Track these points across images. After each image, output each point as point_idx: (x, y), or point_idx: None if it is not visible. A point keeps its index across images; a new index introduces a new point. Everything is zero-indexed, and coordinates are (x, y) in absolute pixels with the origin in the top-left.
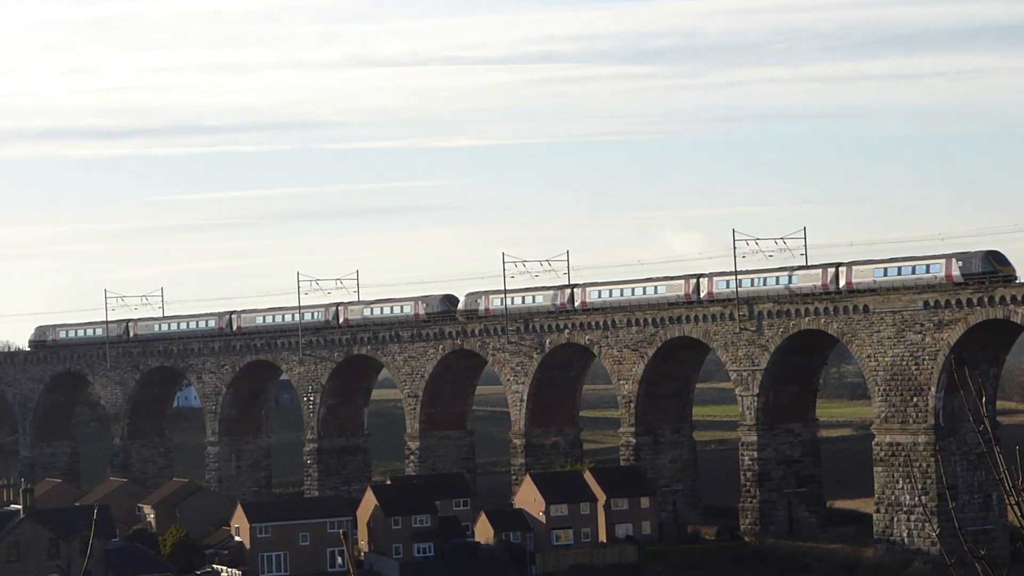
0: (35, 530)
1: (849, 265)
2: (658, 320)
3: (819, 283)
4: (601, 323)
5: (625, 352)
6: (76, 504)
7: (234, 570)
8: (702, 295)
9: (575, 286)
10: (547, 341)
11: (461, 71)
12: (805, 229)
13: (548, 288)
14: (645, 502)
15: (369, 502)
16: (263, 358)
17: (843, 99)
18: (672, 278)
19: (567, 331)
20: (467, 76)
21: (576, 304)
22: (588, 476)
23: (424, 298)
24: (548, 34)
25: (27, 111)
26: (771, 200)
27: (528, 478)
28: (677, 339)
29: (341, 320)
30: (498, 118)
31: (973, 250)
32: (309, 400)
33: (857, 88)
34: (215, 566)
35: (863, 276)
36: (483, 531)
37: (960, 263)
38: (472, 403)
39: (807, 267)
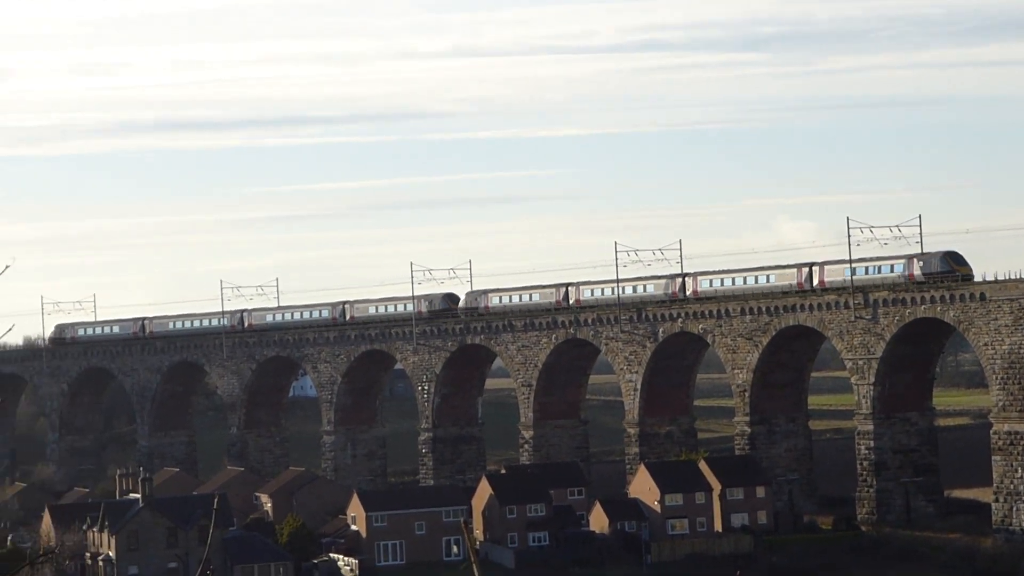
0: (154, 519)
1: (822, 264)
2: (772, 309)
3: (794, 282)
4: (714, 312)
5: (739, 341)
6: (194, 493)
7: (350, 559)
8: (814, 283)
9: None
10: (660, 330)
11: (567, 60)
12: (920, 216)
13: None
14: (760, 491)
15: (484, 491)
16: (377, 348)
17: (953, 85)
18: (784, 267)
19: (680, 320)
20: (573, 65)
21: (688, 293)
22: (703, 465)
23: (922, 256)
24: (654, 22)
25: (139, 103)
26: (885, 187)
27: (642, 467)
28: (791, 328)
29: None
30: (605, 107)
31: (933, 251)
32: (423, 389)
33: (965, 74)
34: (331, 555)
35: (834, 275)
36: (598, 520)
37: (921, 263)
38: (585, 392)
39: (782, 267)
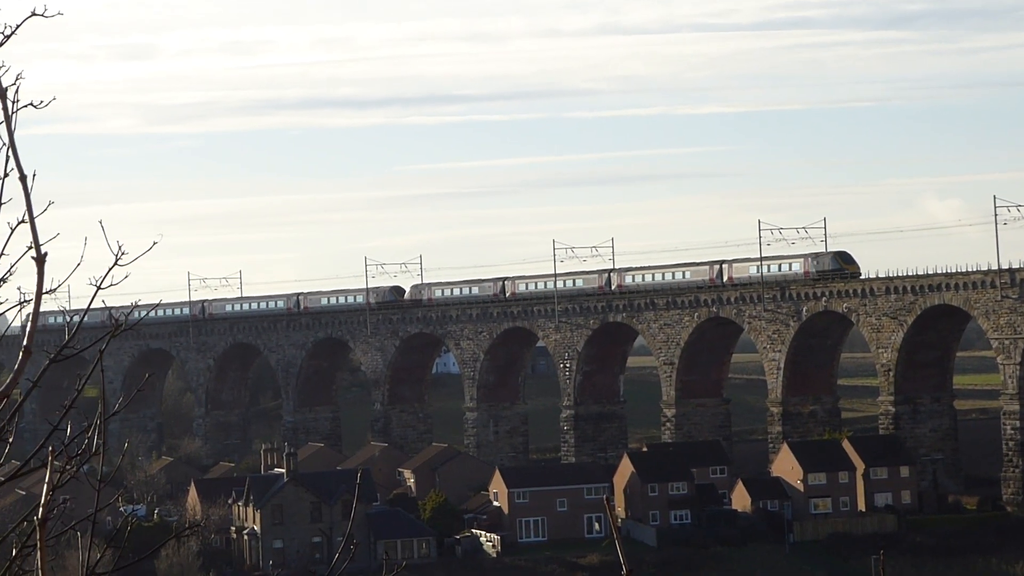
0: (298, 494)
1: (731, 263)
2: (917, 288)
3: (707, 278)
4: (859, 291)
5: (884, 320)
6: (338, 468)
7: (492, 535)
8: (724, 279)
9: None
10: (804, 309)
11: (711, 38)
12: None
13: (799, 256)
14: (905, 471)
15: (626, 469)
16: (520, 325)
17: None
18: (697, 264)
19: (824, 299)
20: (717, 43)
21: (614, 286)
22: (846, 445)
23: (815, 255)
24: (799, 0)
25: (283, 81)
26: None
27: (785, 446)
28: (937, 307)
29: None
30: (749, 85)
31: (824, 251)
32: (565, 367)
33: None
34: (474, 531)
35: (741, 272)
36: (740, 499)
37: (815, 261)
38: (728, 371)
39: (696, 264)
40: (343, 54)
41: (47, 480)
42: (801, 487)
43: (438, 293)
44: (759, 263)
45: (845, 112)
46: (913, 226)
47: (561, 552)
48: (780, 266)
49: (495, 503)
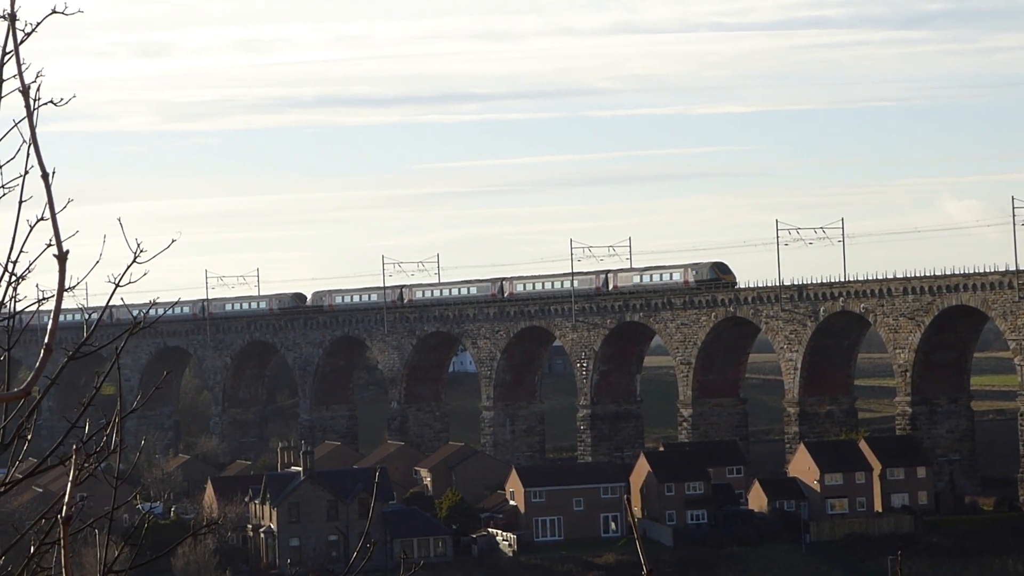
0: (315, 492)
1: (616, 272)
2: (935, 288)
3: (593, 286)
4: (876, 291)
5: (901, 321)
6: (354, 467)
7: (509, 534)
8: (610, 287)
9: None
10: (821, 309)
11: (728, 37)
12: None
13: (679, 266)
14: (921, 472)
15: (642, 468)
16: (536, 324)
17: None
18: (585, 273)
19: (842, 299)
20: (734, 42)
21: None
22: (863, 445)
23: (694, 265)
24: None
25: (299, 79)
26: None
27: (802, 446)
28: (954, 308)
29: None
30: (765, 84)
31: (703, 261)
32: (582, 366)
33: None
34: (490, 530)
35: (625, 281)
36: (756, 499)
37: (694, 272)
38: (745, 371)
39: (584, 273)
40: (360, 52)
41: (70, 478)
42: (818, 487)
43: (339, 300)
44: (641, 272)
45: (862, 112)
46: (931, 226)
47: (577, 551)
48: (661, 276)
49: (511, 502)
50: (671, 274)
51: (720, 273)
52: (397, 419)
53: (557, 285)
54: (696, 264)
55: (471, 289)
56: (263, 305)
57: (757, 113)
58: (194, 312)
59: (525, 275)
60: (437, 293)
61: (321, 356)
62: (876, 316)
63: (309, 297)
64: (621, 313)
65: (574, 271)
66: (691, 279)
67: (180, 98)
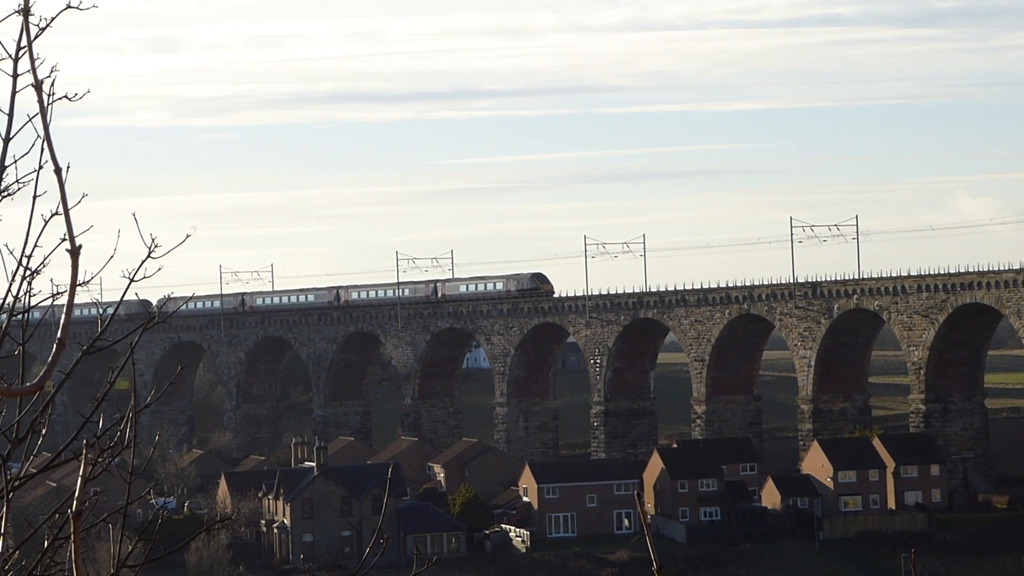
0: (328, 487)
1: (444, 282)
2: (949, 286)
3: (424, 295)
4: (891, 288)
5: (915, 318)
6: (368, 463)
7: (522, 530)
8: (439, 296)
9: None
10: (835, 306)
11: (741, 34)
12: None
13: (501, 276)
14: (935, 469)
15: (656, 465)
16: (551, 320)
17: None
18: (416, 282)
19: (856, 296)
20: (747, 40)
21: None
22: (877, 442)
23: (515, 276)
24: None
25: (312, 75)
26: None
27: (816, 444)
28: (968, 305)
29: (439, 296)
30: (779, 82)
31: (524, 272)
32: (596, 363)
33: None
34: (503, 526)
35: (452, 290)
36: (770, 496)
37: (515, 281)
38: (759, 368)
39: (413, 282)
40: (373, 48)
41: (81, 473)
42: (831, 485)
43: (262, 301)
44: (466, 282)
45: (876, 109)
46: (945, 224)
47: (590, 548)
48: (485, 285)
49: (525, 498)
50: (494, 284)
51: (539, 283)
52: (411, 415)
53: (388, 293)
54: (517, 275)
55: (308, 297)
56: (214, 304)
57: (770, 110)
58: (329, 300)
59: (359, 284)
60: (275, 300)
61: (335, 352)
62: (890, 313)
63: (243, 299)
64: (635, 310)
65: (403, 281)
66: (512, 288)
67: (193, 94)
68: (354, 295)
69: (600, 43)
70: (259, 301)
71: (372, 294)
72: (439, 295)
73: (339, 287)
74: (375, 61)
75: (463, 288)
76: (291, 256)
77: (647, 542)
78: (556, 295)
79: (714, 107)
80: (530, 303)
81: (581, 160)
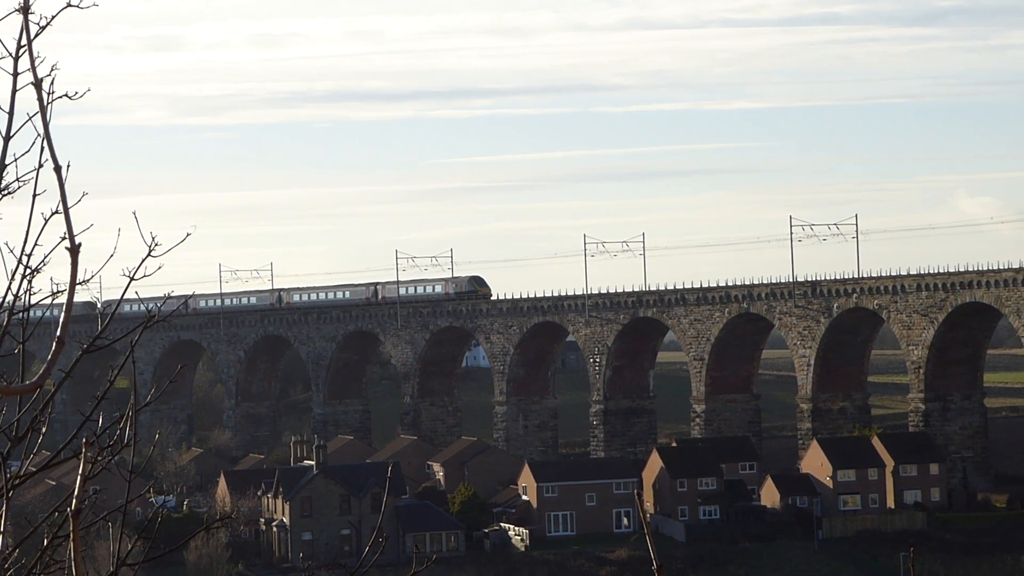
0: (328, 486)
1: (384, 284)
2: (949, 285)
3: (363, 297)
4: (890, 288)
5: (914, 317)
6: (367, 461)
7: (521, 528)
8: (379, 298)
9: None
10: (835, 305)
11: (739, 33)
12: None
13: (440, 279)
14: (934, 468)
15: (655, 464)
16: (550, 319)
17: None
18: (356, 285)
19: (855, 295)
20: (746, 39)
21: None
22: (876, 441)
23: (454, 279)
24: None
25: (312, 74)
26: None
27: (815, 443)
28: (968, 304)
29: (379, 298)
30: (777, 81)
31: (463, 276)
32: (595, 362)
33: None
34: (502, 524)
35: (391, 293)
36: (769, 495)
37: (453, 284)
38: (758, 367)
39: (354, 285)
40: (372, 47)
41: (80, 471)
42: (830, 484)
43: (205, 303)
44: (407, 285)
45: (875, 108)
46: (945, 223)
47: (590, 546)
48: (425, 288)
49: (524, 497)
50: (434, 287)
51: (477, 286)
52: (410, 414)
53: (330, 296)
54: (456, 278)
55: (251, 299)
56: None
57: (769, 109)
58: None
59: (300, 287)
60: (218, 303)
61: (334, 350)
62: (890, 313)
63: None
64: (635, 309)
65: (344, 284)
66: (450, 291)
67: (193, 92)
68: (296, 297)
69: (599, 42)
70: (202, 303)
71: (313, 296)
72: (379, 297)
73: (280, 289)
74: (375, 60)
75: (403, 291)
76: (291, 255)
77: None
78: (552, 293)
79: (713, 106)
80: (529, 302)
81: (581, 159)
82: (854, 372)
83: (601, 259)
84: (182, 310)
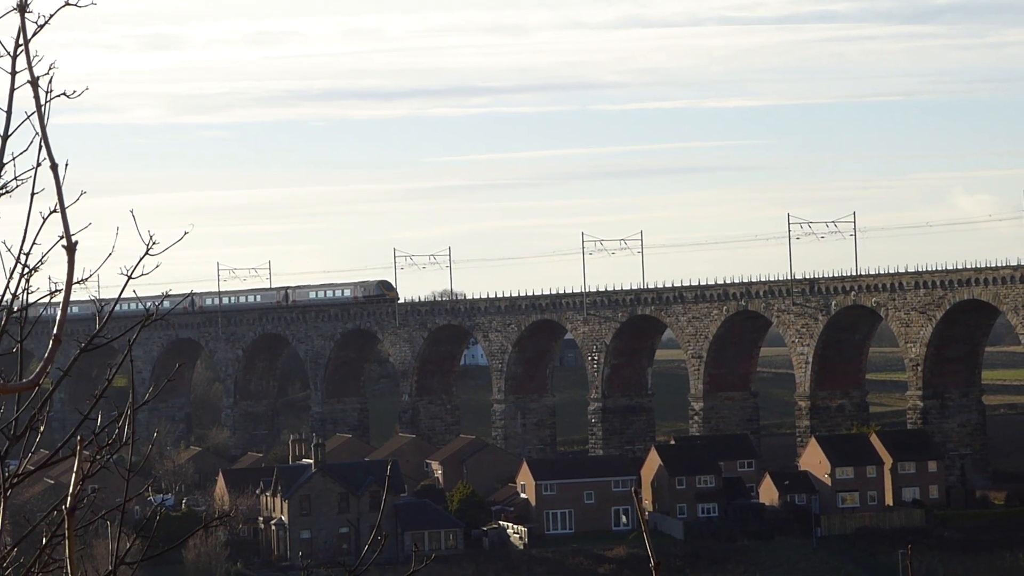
0: (326, 484)
1: (295, 288)
2: (946, 283)
3: (274, 301)
4: (888, 285)
5: (912, 315)
6: (366, 460)
7: (520, 526)
8: (289, 301)
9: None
10: (833, 303)
11: (737, 31)
12: None
13: (350, 284)
14: (933, 466)
15: (653, 462)
16: (548, 317)
17: None
18: (267, 289)
19: (853, 293)
20: (743, 36)
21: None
22: (874, 439)
23: (362, 283)
24: None
25: (310, 72)
26: None
27: (813, 440)
28: (966, 302)
29: (290, 301)
30: (774, 79)
31: (371, 280)
32: (593, 359)
33: None
34: (501, 522)
35: (302, 296)
36: (767, 492)
37: (362, 288)
38: (756, 364)
39: (265, 289)
40: (369, 46)
41: (75, 470)
42: (829, 481)
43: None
44: (316, 289)
45: (871, 106)
46: (942, 221)
47: (588, 544)
48: (335, 292)
49: (522, 495)
50: (343, 291)
51: (385, 290)
52: (408, 412)
53: (245, 299)
54: (364, 282)
55: (166, 303)
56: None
57: (766, 107)
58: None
59: (214, 291)
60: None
61: (332, 349)
62: (888, 310)
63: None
64: (633, 307)
65: (256, 288)
66: (360, 295)
67: (190, 91)
68: (208, 301)
69: (597, 40)
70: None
71: (231, 300)
72: (289, 301)
73: (194, 294)
74: (372, 58)
75: (312, 295)
76: (289, 253)
77: (645, 538)
78: (550, 291)
79: (711, 104)
80: (527, 300)
81: (578, 157)
82: (852, 370)
83: (599, 257)
84: (188, 307)
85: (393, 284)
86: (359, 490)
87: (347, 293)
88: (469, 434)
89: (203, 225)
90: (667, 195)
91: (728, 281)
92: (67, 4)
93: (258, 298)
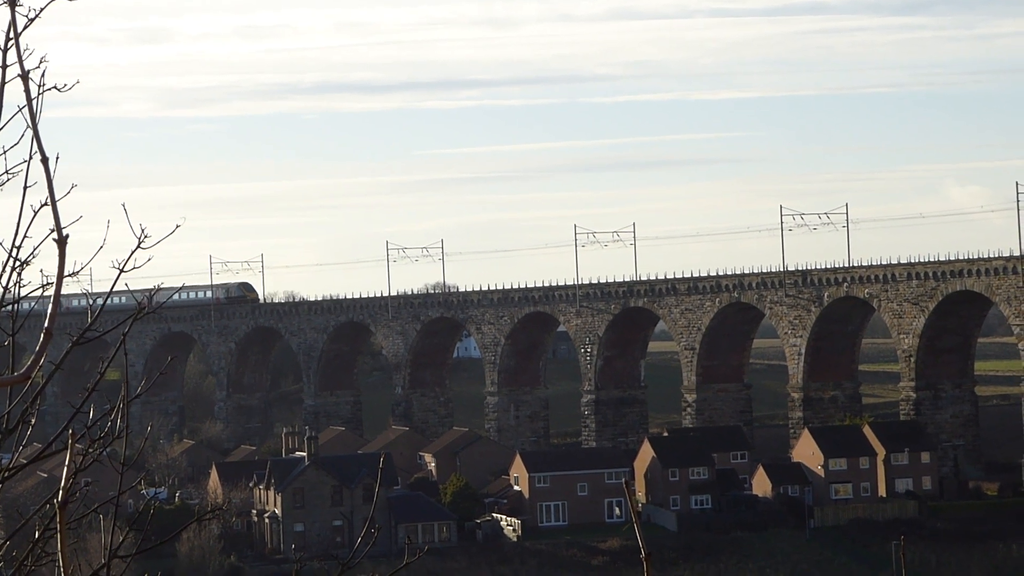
0: (319, 477)
1: (159, 289)
2: (939, 274)
3: (136, 303)
4: (881, 277)
5: (905, 306)
6: (359, 452)
7: (513, 519)
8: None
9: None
10: (825, 294)
11: (727, 23)
12: None
13: (217, 285)
14: (925, 457)
15: (646, 454)
16: (541, 310)
17: None
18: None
19: (846, 284)
20: (733, 28)
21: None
22: (867, 430)
23: (224, 285)
24: None
25: (299, 65)
26: None
27: (806, 432)
28: (959, 293)
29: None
30: (765, 71)
31: (232, 282)
32: (586, 352)
33: None
34: (494, 515)
35: (164, 298)
36: (761, 484)
37: (224, 290)
38: (749, 356)
39: (130, 291)
40: (359, 38)
41: (67, 463)
42: (822, 472)
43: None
44: (180, 291)
45: (862, 98)
46: (934, 212)
47: (581, 536)
48: (198, 293)
49: (516, 487)
50: (205, 292)
51: (246, 292)
52: (401, 405)
53: (111, 300)
54: (226, 284)
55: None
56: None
57: (758, 99)
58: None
59: (79, 292)
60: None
61: (325, 342)
62: (880, 302)
63: None
64: (626, 299)
65: (120, 290)
66: (221, 296)
67: (180, 84)
68: (73, 302)
69: (586, 32)
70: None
71: (99, 301)
72: (152, 301)
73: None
74: (362, 51)
75: (176, 296)
76: (281, 247)
77: (636, 529)
78: (543, 284)
79: (701, 96)
80: (520, 293)
81: (569, 149)
82: (845, 361)
83: (592, 249)
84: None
85: (253, 286)
86: (352, 483)
87: (209, 295)
88: (462, 427)
89: (195, 218)
90: (659, 187)
91: (721, 273)
92: None
93: (123, 299)
